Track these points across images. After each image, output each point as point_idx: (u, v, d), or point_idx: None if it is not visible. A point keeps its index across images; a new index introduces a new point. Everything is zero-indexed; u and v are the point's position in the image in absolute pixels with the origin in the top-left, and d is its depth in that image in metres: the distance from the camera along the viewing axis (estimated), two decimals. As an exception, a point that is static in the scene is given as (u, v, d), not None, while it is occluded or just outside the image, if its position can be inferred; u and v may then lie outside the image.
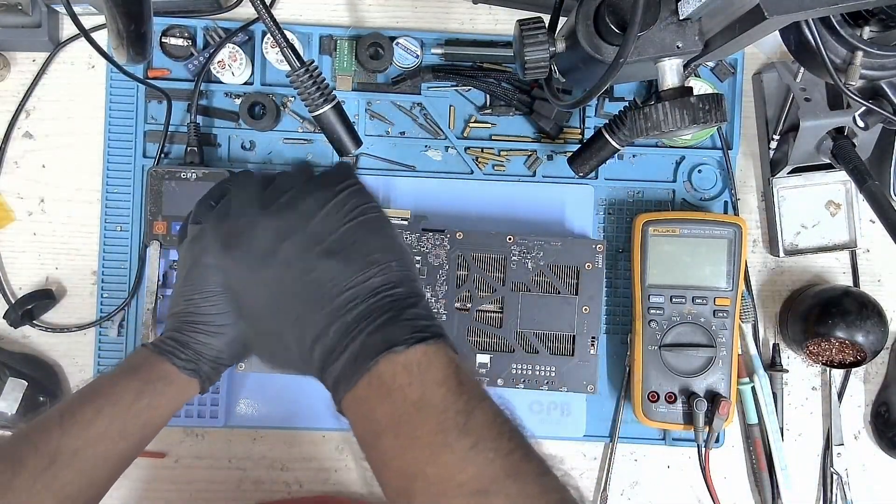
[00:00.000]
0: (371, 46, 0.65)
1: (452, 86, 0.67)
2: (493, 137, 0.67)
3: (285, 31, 0.52)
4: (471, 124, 0.67)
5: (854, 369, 0.67)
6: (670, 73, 0.42)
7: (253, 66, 0.66)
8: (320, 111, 0.54)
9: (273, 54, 0.64)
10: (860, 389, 0.68)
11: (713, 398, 0.62)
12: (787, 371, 0.67)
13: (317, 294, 0.41)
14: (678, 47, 0.42)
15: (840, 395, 0.68)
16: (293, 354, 0.43)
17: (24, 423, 0.48)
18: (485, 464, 0.35)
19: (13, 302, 0.65)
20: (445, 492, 0.34)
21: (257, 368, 0.61)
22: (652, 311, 0.63)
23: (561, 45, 0.45)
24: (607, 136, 0.59)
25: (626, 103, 0.63)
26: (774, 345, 0.67)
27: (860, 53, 0.44)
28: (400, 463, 0.36)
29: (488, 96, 0.67)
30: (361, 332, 0.39)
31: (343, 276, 0.41)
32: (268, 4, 0.55)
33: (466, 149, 0.67)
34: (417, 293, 0.42)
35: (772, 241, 0.68)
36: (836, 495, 0.66)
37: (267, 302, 0.43)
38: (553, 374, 0.61)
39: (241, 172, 0.50)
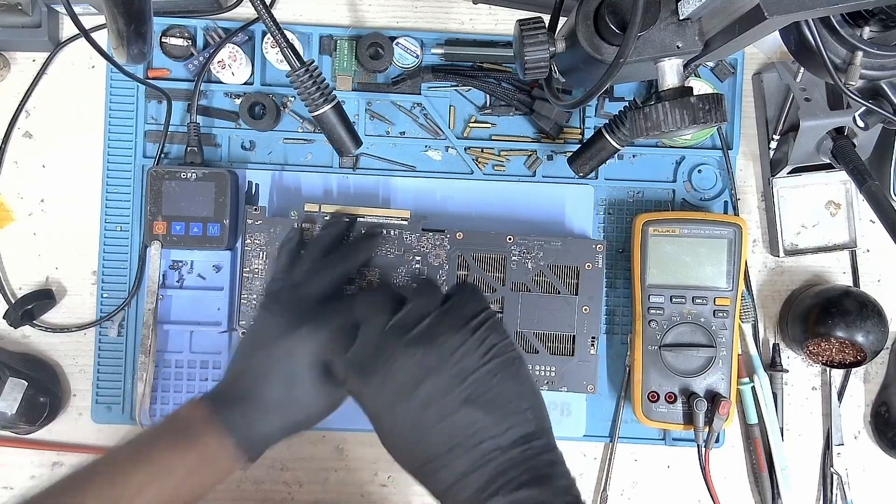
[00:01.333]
0: (371, 46, 0.65)
1: (452, 86, 0.67)
2: (493, 137, 0.67)
3: (285, 31, 0.53)
4: (471, 124, 0.67)
5: (854, 369, 0.67)
6: (670, 73, 0.42)
7: (253, 66, 0.66)
8: (320, 111, 0.54)
9: (273, 54, 0.64)
10: (860, 389, 0.68)
11: (713, 398, 0.62)
12: (787, 371, 0.67)
13: (456, 439, 0.41)
14: (678, 47, 0.42)
15: (840, 395, 0.68)
16: (425, 484, 0.43)
17: (70, 473, 0.46)
18: None
19: (13, 302, 0.65)
20: None
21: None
22: (652, 311, 0.63)
23: (561, 45, 0.45)
24: (607, 136, 0.59)
25: (626, 103, 0.63)
26: (774, 345, 0.67)
27: (860, 53, 0.44)
28: None
29: (488, 96, 0.67)
30: (503, 488, 0.39)
31: (484, 426, 0.41)
32: (268, 4, 0.55)
33: (466, 149, 0.67)
34: (552, 444, 0.42)
35: (772, 241, 0.68)
36: (836, 495, 0.66)
37: (398, 433, 0.43)
38: (553, 374, 0.61)
39: (371, 293, 0.48)
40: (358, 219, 0.60)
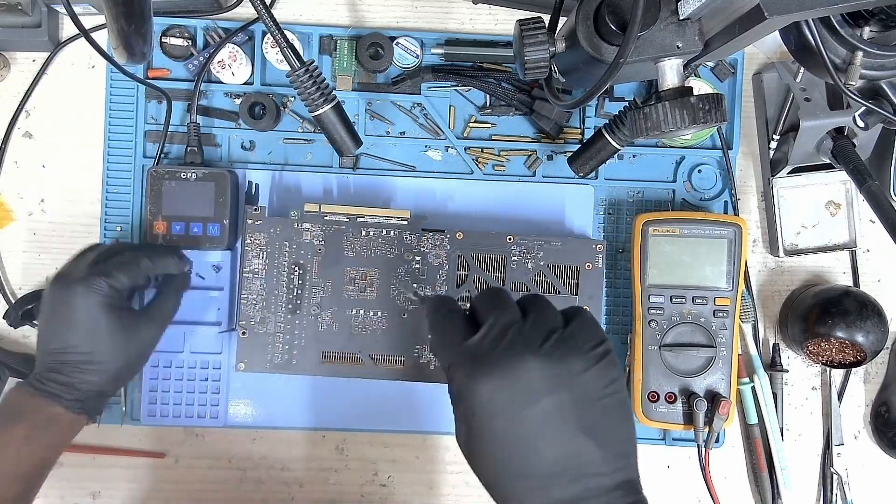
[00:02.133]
0: (371, 46, 0.65)
1: (452, 86, 0.67)
2: (493, 137, 0.67)
3: (285, 31, 0.52)
4: (471, 124, 0.67)
5: (854, 369, 0.67)
6: (670, 73, 0.42)
7: (253, 66, 0.66)
8: (320, 111, 0.54)
9: (273, 54, 0.64)
10: (860, 389, 0.68)
11: (713, 398, 0.62)
12: (787, 371, 0.67)
13: (563, 465, 0.39)
14: (678, 47, 0.42)
15: (840, 395, 0.68)
16: (505, 496, 0.41)
17: None
18: None
19: (13, 302, 0.65)
20: None
21: (257, 369, 0.61)
22: (652, 311, 0.63)
23: (561, 45, 0.45)
24: (607, 136, 0.59)
25: (626, 103, 0.63)
26: (774, 345, 0.67)
27: (860, 53, 0.44)
28: None
29: (488, 96, 0.67)
30: None
31: (593, 460, 0.39)
32: (268, 4, 0.55)
33: (466, 149, 0.67)
34: (641, 494, 0.41)
35: (772, 241, 0.68)
36: (836, 495, 0.66)
37: (506, 440, 0.40)
38: (553, 374, 0.61)
39: (492, 291, 0.45)
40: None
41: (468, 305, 0.45)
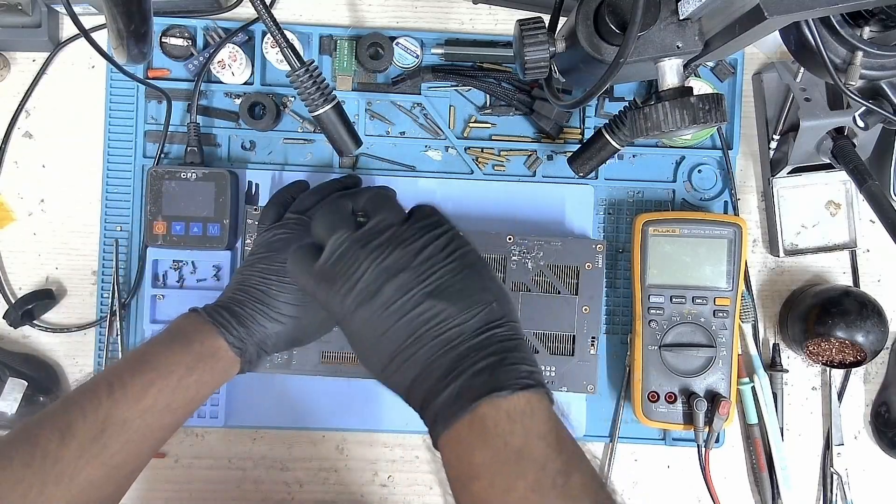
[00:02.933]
0: (371, 46, 0.65)
1: (452, 86, 0.67)
2: (493, 137, 0.67)
3: (285, 31, 0.52)
4: (471, 124, 0.67)
5: (854, 369, 0.67)
6: (670, 73, 0.42)
7: (253, 66, 0.66)
8: (320, 111, 0.54)
9: (273, 54, 0.64)
10: (860, 389, 0.68)
11: (713, 398, 0.62)
12: (787, 371, 0.67)
13: (420, 330, 0.41)
14: (678, 47, 0.42)
15: (840, 395, 0.68)
16: (391, 383, 0.44)
17: (72, 390, 0.48)
18: None
19: (13, 302, 0.65)
20: None
21: (258, 369, 0.61)
22: (652, 311, 0.63)
23: (561, 45, 0.45)
24: (607, 136, 0.59)
25: (626, 103, 0.63)
26: (774, 345, 0.67)
27: (860, 53, 0.44)
28: None
29: (488, 96, 0.67)
30: (464, 372, 0.40)
31: (448, 315, 0.41)
32: (268, 4, 0.55)
33: (466, 149, 0.67)
34: (518, 334, 0.43)
35: (772, 241, 0.68)
36: (836, 495, 0.66)
37: (365, 336, 0.43)
38: (553, 374, 0.61)
39: (332, 206, 0.48)
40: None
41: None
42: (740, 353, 0.65)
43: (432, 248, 0.43)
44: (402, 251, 0.43)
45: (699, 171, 0.67)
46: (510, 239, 0.62)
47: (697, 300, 0.62)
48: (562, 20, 0.47)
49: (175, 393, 0.48)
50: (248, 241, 0.61)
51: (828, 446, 0.67)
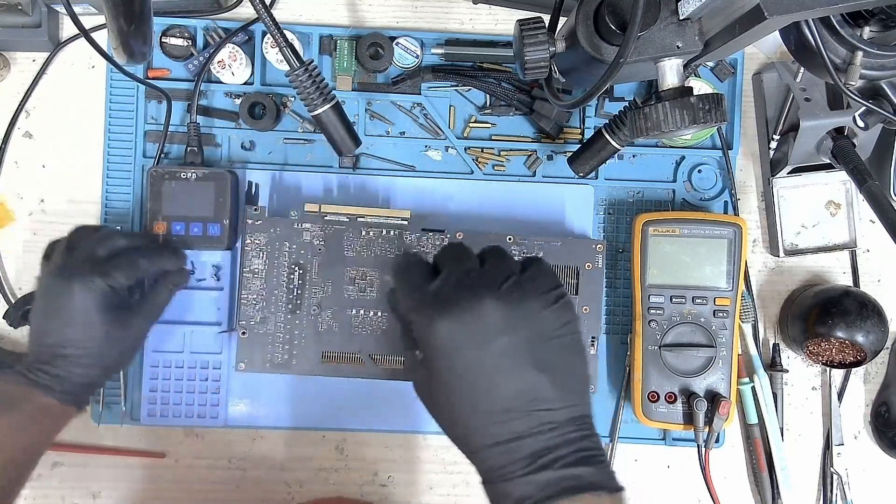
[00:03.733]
0: (371, 46, 0.65)
1: (452, 86, 0.67)
2: (493, 137, 0.67)
3: (285, 31, 0.52)
4: (471, 124, 0.67)
5: (854, 369, 0.67)
6: (670, 73, 0.42)
7: (253, 66, 0.66)
8: (319, 111, 0.54)
9: (273, 54, 0.64)
10: (860, 389, 0.68)
11: (713, 398, 0.62)
12: (787, 371, 0.67)
13: (518, 400, 0.41)
14: (678, 47, 0.42)
15: (840, 395, 0.68)
16: (460, 430, 0.43)
17: None
18: None
19: (13, 302, 0.65)
20: None
21: (258, 369, 0.61)
22: (652, 311, 0.63)
23: (561, 45, 0.45)
24: (607, 136, 0.59)
25: (626, 103, 0.63)
26: (774, 345, 0.67)
27: (860, 53, 0.44)
28: None
29: (488, 96, 0.67)
30: (556, 462, 0.40)
31: (547, 396, 0.41)
32: (268, 4, 0.55)
33: (466, 149, 0.67)
34: (596, 432, 0.43)
35: (772, 241, 0.68)
36: (836, 495, 0.66)
37: (465, 377, 0.42)
38: (553, 374, 0.61)
39: (451, 246, 0.47)
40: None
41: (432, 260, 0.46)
42: (740, 353, 0.65)
43: (550, 312, 0.42)
44: (524, 306, 0.41)
45: (699, 171, 0.67)
46: (510, 239, 0.62)
47: (697, 300, 0.62)
48: (562, 20, 0.47)
49: (9, 452, 0.51)
50: (247, 240, 0.61)
51: (828, 446, 0.67)
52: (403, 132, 0.67)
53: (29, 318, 0.57)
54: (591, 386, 0.44)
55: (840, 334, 0.62)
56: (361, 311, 0.61)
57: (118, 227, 0.65)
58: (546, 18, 0.47)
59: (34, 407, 0.52)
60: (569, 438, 0.41)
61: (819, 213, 0.67)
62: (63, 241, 0.58)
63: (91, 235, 0.58)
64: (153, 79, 0.66)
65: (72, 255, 0.56)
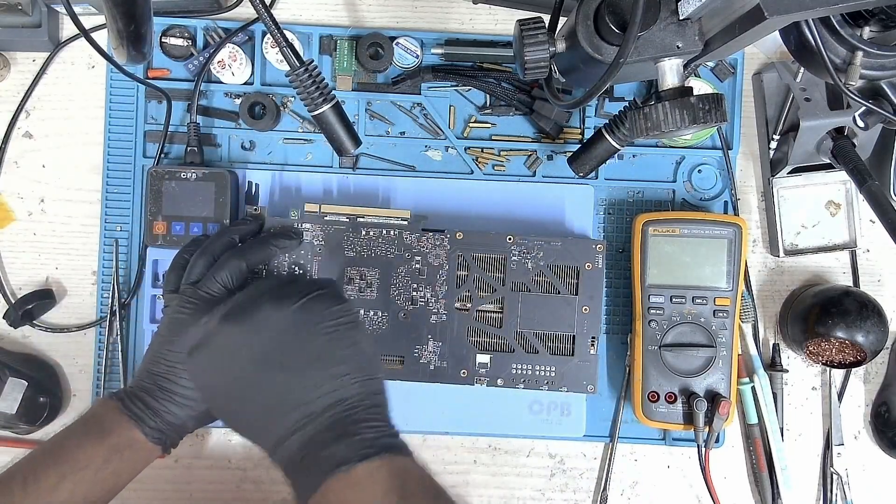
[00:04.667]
0: (371, 46, 0.65)
1: (452, 86, 0.67)
2: (493, 137, 0.67)
3: (285, 31, 0.52)
4: (471, 124, 0.67)
5: (854, 369, 0.67)
6: (670, 73, 0.42)
7: (253, 66, 0.66)
8: (319, 111, 0.54)
9: (273, 54, 0.64)
10: (860, 389, 0.68)
11: (713, 398, 0.62)
12: (787, 371, 0.67)
13: (271, 405, 0.45)
14: (678, 47, 0.42)
15: (840, 395, 0.68)
16: (260, 441, 0.48)
17: None
18: None
19: (13, 302, 0.65)
20: None
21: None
22: (652, 311, 0.63)
23: (561, 45, 0.45)
24: (607, 136, 0.59)
25: (626, 103, 0.63)
26: (774, 345, 0.67)
27: (860, 53, 0.44)
28: None
29: (488, 96, 0.67)
30: (315, 449, 0.43)
31: (295, 393, 0.44)
32: (268, 4, 0.55)
33: (466, 149, 0.67)
34: (374, 403, 0.45)
35: (772, 241, 0.68)
36: (836, 495, 0.66)
37: (225, 405, 0.48)
38: (553, 374, 0.61)
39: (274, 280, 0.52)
40: (268, 222, 0.60)
41: None
42: (740, 353, 0.65)
43: (284, 314, 0.46)
44: (251, 320, 0.46)
45: (699, 171, 0.67)
46: (510, 239, 0.62)
47: (697, 300, 0.62)
48: (562, 20, 0.47)
49: (92, 485, 0.48)
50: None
51: (828, 446, 0.67)
52: (403, 132, 0.67)
53: (151, 342, 0.54)
54: (360, 361, 0.48)
55: (840, 334, 0.62)
56: (361, 311, 0.61)
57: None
58: (546, 18, 0.47)
59: (123, 438, 0.50)
60: (325, 425, 0.44)
61: (819, 213, 0.67)
62: (186, 272, 0.55)
63: (213, 270, 0.54)
64: (153, 79, 0.66)
65: (198, 293, 0.53)
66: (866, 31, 0.44)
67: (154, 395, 0.51)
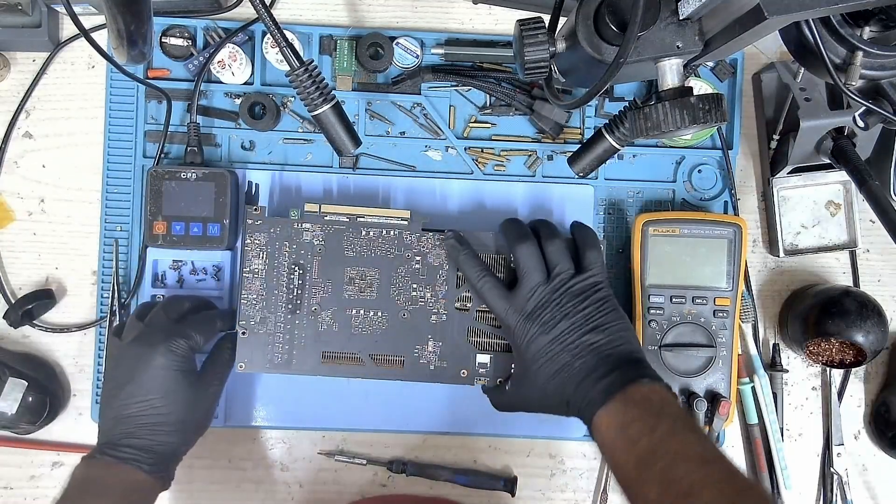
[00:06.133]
0: (371, 46, 0.65)
1: (452, 86, 0.67)
2: (494, 137, 0.67)
3: (285, 31, 0.52)
4: (471, 124, 0.67)
5: (854, 369, 0.67)
6: (670, 73, 0.42)
7: (253, 66, 0.66)
8: (319, 111, 0.54)
9: (273, 54, 0.64)
10: (860, 389, 0.68)
11: (713, 398, 0.62)
12: (787, 371, 0.67)
13: (582, 352, 0.53)
14: (678, 47, 0.42)
15: (840, 395, 0.68)
16: (549, 393, 0.54)
17: None
18: (708, 449, 0.47)
19: (13, 302, 0.65)
20: (682, 457, 0.46)
21: (257, 368, 0.61)
22: (652, 311, 0.63)
23: (561, 45, 0.45)
24: (607, 136, 0.59)
25: (626, 103, 0.62)
26: (774, 345, 0.67)
27: (860, 53, 0.44)
28: (647, 441, 0.47)
29: (488, 96, 0.67)
30: (616, 370, 0.51)
31: (600, 343, 0.53)
32: (268, 4, 0.55)
33: (466, 149, 0.67)
34: (642, 356, 0.55)
35: (772, 241, 0.68)
36: (836, 495, 0.66)
37: (537, 356, 0.54)
38: (553, 374, 0.61)
39: (530, 247, 0.58)
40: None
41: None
42: (740, 353, 0.65)
43: (592, 302, 0.55)
44: (573, 304, 0.54)
45: (699, 171, 0.67)
46: (510, 239, 0.61)
47: (697, 300, 0.62)
48: (562, 20, 0.47)
49: None
50: (247, 240, 0.61)
51: (828, 446, 0.67)
52: (403, 132, 0.67)
53: (104, 394, 0.56)
54: (632, 329, 0.57)
55: (840, 334, 0.62)
56: (361, 311, 0.61)
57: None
58: (546, 18, 0.47)
59: (125, 486, 0.51)
60: (624, 359, 0.53)
61: (819, 213, 0.67)
62: (131, 317, 0.59)
63: (158, 306, 0.59)
64: (153, 79, 0.66)
65: (148, 324, 0.57)
66: (866, 31, 0.44)
67: (139, 436, 0.53)
